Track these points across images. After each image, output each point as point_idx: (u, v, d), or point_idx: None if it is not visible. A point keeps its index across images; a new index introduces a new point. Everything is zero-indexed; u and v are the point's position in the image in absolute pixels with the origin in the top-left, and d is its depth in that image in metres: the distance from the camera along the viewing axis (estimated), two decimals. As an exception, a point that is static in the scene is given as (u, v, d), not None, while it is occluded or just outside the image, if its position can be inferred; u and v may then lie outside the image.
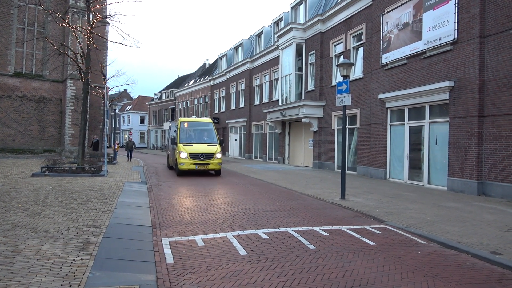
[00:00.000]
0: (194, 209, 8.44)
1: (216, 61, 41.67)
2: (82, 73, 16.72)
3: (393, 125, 14.76)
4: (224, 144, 15.66)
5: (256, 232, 6.35)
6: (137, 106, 70.90)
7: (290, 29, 22.00)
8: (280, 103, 23.43)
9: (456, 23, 11.65)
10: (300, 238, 6.01)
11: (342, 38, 18.58)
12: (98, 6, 17.75)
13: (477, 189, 10.86)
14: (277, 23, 26.79)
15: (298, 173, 17.45)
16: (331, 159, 19.41)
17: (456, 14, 11.65)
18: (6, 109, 27.95)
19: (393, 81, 14.57)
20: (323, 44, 20.21)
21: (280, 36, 23.35)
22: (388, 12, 14.80)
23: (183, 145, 15.75)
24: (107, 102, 17.43)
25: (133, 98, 75.71)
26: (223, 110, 35.76)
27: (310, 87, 21.35)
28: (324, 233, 6.36)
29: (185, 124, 17.13)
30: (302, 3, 22.84)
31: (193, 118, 18.84)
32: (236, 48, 33.80)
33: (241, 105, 31.78)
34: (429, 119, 12.89)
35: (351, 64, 10.15)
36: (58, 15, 16.94)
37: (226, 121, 33.90)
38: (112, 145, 26.51)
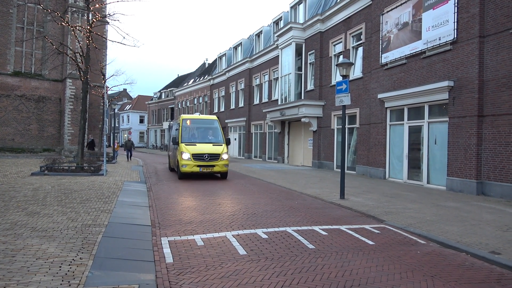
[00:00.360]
0: (193, 208, 8.44)
1: (215, 60, 41.65)
2: (82, 73, 16.71)
3: (392, 124, 14.77)
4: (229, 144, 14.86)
5: (256, 231, 6.35)
6: (137, 105, 70.86)
7: (290, 29, 22.00)
8: (279, 103, 23.43)
9: (455, 23, 11.66)
10: (300, 237, 6.01)
11: (341, 38, 18.58)
12: (97, 5, 17.75)
13: (476, 189, 10.87)
14: (276, 22, 26.78)
15: (298, 173, 17.45)
16: (330, 159, 19.42)
17: (456, 14, 11.66)
18: (5, 108, 27.91)
19: (392, 80, 14.58)
20: (322, 44, 20.21)
21: (279, 36, 23.35)
22: (387, 11, 14.80)
23: (186, 144, 14.23)
24: (107, 101, 17.41)
25: (133, 97, 75.66)
26: (222, 109, 35.76)
27: (310, 86, 21.36)
28: (324, 233, 6.36)
29: (188, 121, 15.62)
30: (301, 2, 22.83)
31: (196, 115, 17.21)
32: (235, 48, 33.78)
33: (241, 104, 31.77)
34: (428, 118, 12.89)
35: (351, 64, 10.15)
36: (58, 14, 16.92)
37: (226, 121, 33.90)
38: (112, 145, 26.50)
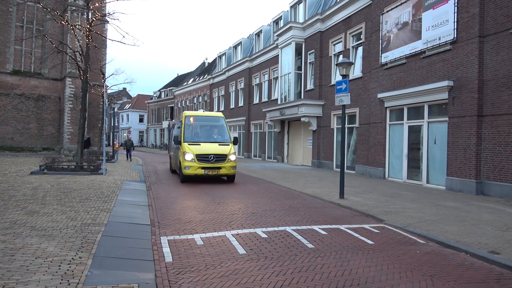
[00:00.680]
0: (192, 207, 8.44)
1: (215, 59, 41.63)
2: (81, 71, 16.70)
3: (392, 124, 14.77)
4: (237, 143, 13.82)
5: (255, 231, 6.35)
6: (136, 104, 70.83)
7: (290, 28, 21.99)
8: (279, 102, 23.43)
9: (455, 23, 11.65)
10: (299, 237, 6.02)
11: (341, 37, 18.57)
12: (97, 4, 17.72)
13: (475, 189, 10.87)
14: (276, 22, 26.76)
15: (297, 172, 17.45)
16: (330, 158, 19.42)
17: (456, 13, 11.65)
18: (4, 107, 27.88)
19: (392, 80, 14.57)
20: (322, 43, 20.20)
21: (279, 35, 23.33)
22: (387, 11, 14.79)
23: (189, 144, 12.94)
24: (106, 100, 17.40)
25: (132, 96, 75.60)
26: (222, 109, 35.74)
27: (310, 86, 21.35)
28: (323, 232, 6.36)
29: (191, 118, 14.20)
30: (301, 2, 22.81)
31: (200, 112, 15.75)
32: (235, 47, 33.76)
33: (240, 104, 31.76)
34: (428, 118, 12.90)
35: (351, 63, 10.15)
36: (57, 13, 16.89)
37: (225, 120, 33.87)
38: (112, 144, 26.48)
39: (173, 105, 51.90)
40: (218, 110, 36.57)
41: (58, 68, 28.70)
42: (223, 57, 36.57)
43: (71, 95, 28.44)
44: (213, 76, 38.05)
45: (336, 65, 10.98)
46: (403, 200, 9.82)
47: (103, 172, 14.58)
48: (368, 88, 16.35)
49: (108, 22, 22.54)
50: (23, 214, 6.73)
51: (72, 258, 4.42)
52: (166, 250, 5.22)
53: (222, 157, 12.73)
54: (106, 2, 20.11)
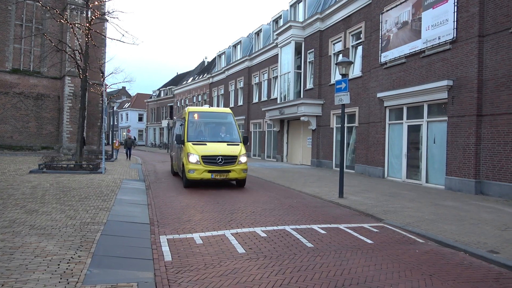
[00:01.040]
0: (192, 206, 8.44)
1: (215, 58, 41.60)
2: (80, 70, 16.67)
3: (391, 123, 14.78)
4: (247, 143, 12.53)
5: (254, 230, 6.35)
6: (136, 103, 70.78)
7: (289, 27, 21.97)
8: (278, 101, 23.42)
9: (455, 22, 11.65)
10: (298, 236, 6.02)
11: (341, 37, 18.56)
12: (96, 3, 17.68)
13: (474, 188, 10.88)
14: (276, 21, 26.74)
15: (296, 171, 17.45)
16: (329, 158, 19.42)
17: (455, 13, 11.65)
18: (3, 106, 27.84)
19: (392, 79, 14.58)
20: (322, 43, 20.19)
21: (279, 34, 23.31)
22: (387, 10, 14.79)
23: (193, 144, 11.47)
24: (106, 99, 17.38)
25: (132, 95, 75.54)
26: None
27: (309, 85, 21.34)
28: (322, 231, 6.37)
29: (195, 115, 12.66)
30: (301, 1, 22.79)
31: (206, 108, 14.09)
32: (235, 46, 33.73)
33: (240, 103, 31.75)
34: (427, 118, 12.90)
35: (350, 63, 10.15)
36: (57, 11, 16.85)
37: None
38: (110, 143, 26.46)
39: (172, 104, 51.87)
40: (218, 109, 36.47)
41: (58, 66, 28.65)
42: (223, 56, 36.54)
43: (70, 94, 28.41)
44: (212, 75, 38.02)
45: (336, 64, 10.98)
46: (402, 199, 9.83)
47: (102, 171, 14.57)
48: (367, 88, 16.35)
49: (107, 20, 22.50)
50: (22, 213, 6.72)
51: (71, 257, 4.42)
52: (166, 249, 5.22)
53: (231, 159, 11.23)
54: (105, 1, 20.06)
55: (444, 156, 12.07)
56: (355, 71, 17.46)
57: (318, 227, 6.65)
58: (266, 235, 6.03)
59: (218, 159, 11.06)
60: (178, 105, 48.03)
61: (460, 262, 4.96)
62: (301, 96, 21.76)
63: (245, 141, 12.33)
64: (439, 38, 12.21)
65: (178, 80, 57.14)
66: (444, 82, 11.80)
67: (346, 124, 17.30)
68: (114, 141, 26.74)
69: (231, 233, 6.09)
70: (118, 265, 4.47)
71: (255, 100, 29.07)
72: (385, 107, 14.87)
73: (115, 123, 63.03)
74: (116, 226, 6.15)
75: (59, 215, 6.61)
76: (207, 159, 11.03)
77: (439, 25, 12.21)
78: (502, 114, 10.33)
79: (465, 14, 11.35)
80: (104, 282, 3.79)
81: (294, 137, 23.63)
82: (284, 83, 22.93)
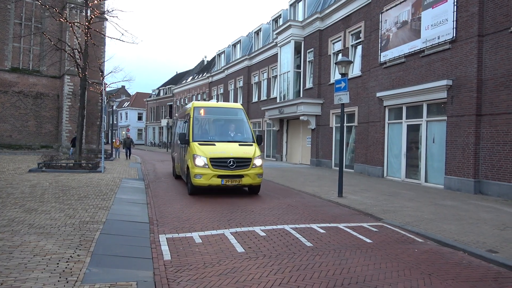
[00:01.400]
0: (191, 205, 8.44)
1: (214, 58, 41.57)
2: (80, 69, 16.66)
3: (391, 123, 14.78)
4: (261, 143, 10.88)
5: (254, 229, 6.36)
6: (135, 102, 70.71)
7: (289, 27, 21.96)
8: (278, 101, 23.41)
9: (454, 22, 11.65)
10: (298, 235, 6.02)
11: (340, 36, 18.56)
12: (96, 2, 17.66)
13: (474, 188, 10.89)
14: (275, 20, 26.73)
15: (296, 171, 17.46)
16: (328, 157, 19.43)
17: (455, 12, 11.65)
18: (3, 105, 27.81)
19: (391, 79, 14.58)
20: (321, 42, 20.19)
21: (278, 34, 23.30)
22: (387, 10, 14.78)
23: (200, 144, 9.99)
24: (105, 98, 17.36)
25: (131, 94, 75.47)
26: (221, 107, 35.66)
27: (308, 84, 21.34)
28: (321, 231, 6.37)
29: (202, 111, 11.16)
30: (301, 0, 22.77)
31: (213, 103, 12.55)
32: (234, 45, 33.71)
33: (239, 102, 31.73)
34: (426, 117, 12.91)
35: (350, 62, 10.14)
36: (56, 10, 16.84)
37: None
38: (109, 142, 26.43)
39: (172, 103, 51.85)
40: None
41: (57, 65, 28.63)
42: (222, 55, 36.51)
43: (70, 93, 28.39)
44: (212, 74, 37.99)
45: (335, 63, 10.98)
46: (401, 199, 9.84)
47: (101, 170, 14.56)
48: (367, 87, 16.35)
49: (107, 19, 22.46)
50: (21, 211, 6.72)
51: (71, 256, 4.42)
52: (165, 248, 5.22)
53: (244, 162, 9.74)
54: (105, 0, 20.05)
55: (443, 156, 12.08)
56: (355, 70, 17.46)
57: (318, 227, 6.65)
58: (265, 234, 6.03)
59: (230, 162, 9.54)
60: (178, 104, 48.00)
61: (459, 262, 4.97)
62: (301, 96, 21.76)
63: (259, 140, 10.75)
64: (438, 38, 12.21)
65: (177, 79, 57.11)
66: (444, 82, 11.81)
67: (345, 124, 17.30)
68: (114, 140, 26.73)
69: (230, 232, 6.09)
70: (117, 264, 4.46)
71: (255, 99, 29.05)
72: (385, 106, 14.87)
73: (115, 122, 63.00)
74: (116, 225, 6.15)
75: (58, 214, 6.61)
76: (217, 162, 9.53)
77: (439, 25, 12.21)
78: (501, 113, 10.34)
79: (465, 14, 11.35)
80: (103, 281, 3.79)
81: (294, 137, 23.63)
82: (284, 82, 22.92)
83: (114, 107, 42.40)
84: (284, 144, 24.34)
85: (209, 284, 3.97)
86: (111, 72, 40.14)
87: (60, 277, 3.76)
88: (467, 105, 11.20)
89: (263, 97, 27.52)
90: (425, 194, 10.79)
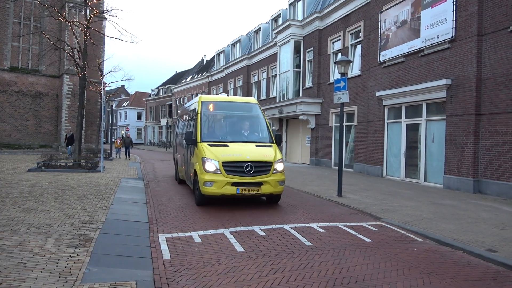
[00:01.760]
0: (190, 205, 8.43)
1: (214, 57, 41.54)
2: (79, 68, 16.63)
3: (390, 122, 14.79)
4: (281, 143, 9.39)
5: (253, 228, 6.36)
6: (134, 102, 70.65)
7: (288, 26, 21.94)
8: (277, 100, 23.41)
9: (454, 21, 11.66)
10: (297, 234, 6.03)
11: (340, 35, 18.55)
12: (95, 1, 17.64)
13: (473, 187, 10.91)
14: (275, 19, 26.71)
15: (295, 170, 17.46)
16: (328, 156, 19.44)
17: (454, 12, 11.65)
18: (2, 104, 27.78)
19: (390, 78, 14.58)
20: (321, 41, 20.18)
21: (278, 33, 23.28)
22: (386, 9, 14.78)
23: (209, 145, 8.37)
24: (104, 97, 17.34)
25: (130, 94, 75.42)
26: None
27: (308, 84, 21.34)
28: (321, 230, 6.38)
29: (210, 106, 9.43)
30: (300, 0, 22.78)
31: (224, 97, 10.61)
32: (234, 45, 33.69)
33: (239, 101, 31.67)
34: (426, 117, 12.92)
35: (349, 62, 10.15)
36: (55, 9, 16.82)
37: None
38: (109, 141, 26.41)
39: (171, 102, 51.83)
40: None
41: (56, 65, 28.60)
42: (222, 54, 36.49)
43: (69, 92, 28.37)
44: (211, 73, 37.97)
45: (335, 63, 10.98)
46: (400, 198, 9.85)
47: (101, 169, 14.55)
48: (366, 86, 16.35)
49: (106, 19, 22.43)
50: (21, 211, 6.71)
51: (70, 256, 4.41)
52: (164, 247, 5.22)
53: (264, 167, 8.11)
54: (104, -1, 20.04)
55: (442, 155, 12.09)
56: (354, 69, 17.46)
57: (317, 226, 6.65)
58: (265, 234, 6.03)
59: (247, 166, 7.89)
60: (177, 103, 47.98)
61: (458, 261, 4.97)
62: (300, 95, 21.76)
63: (279, 141, 9.16)
64: (438, 37, 12.21)
65: (177, 78, 57.09)
66: (443, 81, 11.81)
67: (345, 123, 17.32)
68: (115, 139, 26.70)
69: (229, 232, 6.09)
70: (116, 263, 4.46)
71: (254, 98, 29.01)
72: (384, 106, 14.88)
73: (114, 122, 62.92)
74: (115, 225, 6.15)
75: (57, 214, 6.60)
76: (231, 167, 7.91)
77: (438, 24, 12.21)
78: (501, 113, 10.35)
79: (464, 13, 11.35)
80: (102, 280, 3.79)
81: (293, 136, 23.63)
82: (283, 81, 22.92)
83: (114, 107, 42.41)
84: (284, 144, 24.34)
85: (209, 284, 3.97)
86: (111, 71, 40.20)
87: (59, 277, 3.76)
88: (466, 105, 11.21)
89: (263, 96, 27.51)
90: (424, 193, 10.80)
